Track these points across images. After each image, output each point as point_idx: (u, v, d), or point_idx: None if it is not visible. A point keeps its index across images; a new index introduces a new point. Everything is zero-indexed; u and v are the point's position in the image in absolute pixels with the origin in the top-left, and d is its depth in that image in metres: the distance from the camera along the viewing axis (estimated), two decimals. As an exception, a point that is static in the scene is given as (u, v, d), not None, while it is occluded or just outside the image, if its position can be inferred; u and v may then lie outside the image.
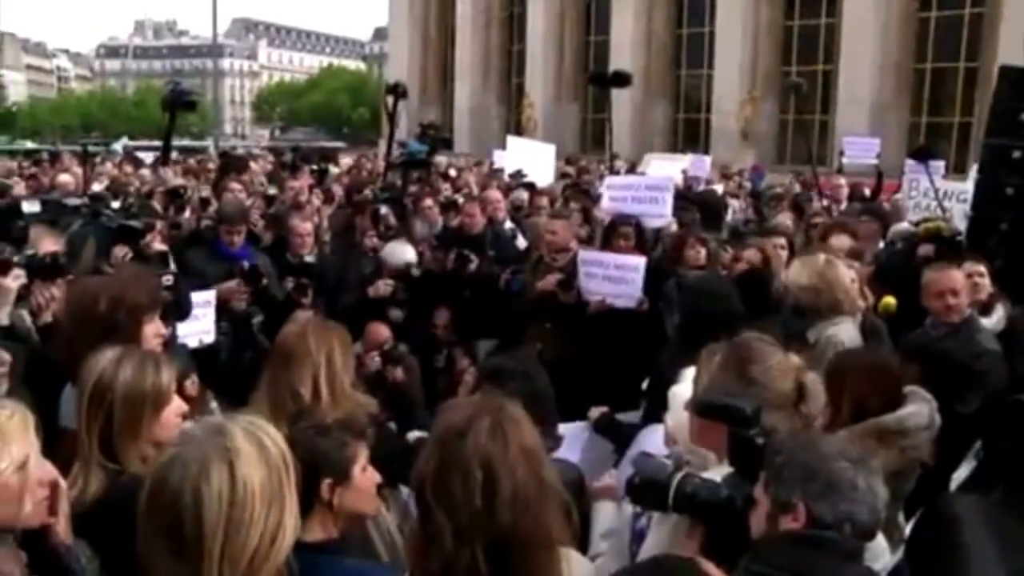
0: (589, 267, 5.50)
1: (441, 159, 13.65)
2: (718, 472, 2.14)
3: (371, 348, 4.98)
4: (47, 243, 3.67)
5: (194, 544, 1.64)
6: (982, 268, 4.86)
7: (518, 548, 1.67)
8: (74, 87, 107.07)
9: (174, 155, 16.34)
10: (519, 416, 1.79)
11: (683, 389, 2.48)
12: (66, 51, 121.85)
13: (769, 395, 2.23)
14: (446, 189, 10.22)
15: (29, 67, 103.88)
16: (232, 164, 10.86)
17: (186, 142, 37.20)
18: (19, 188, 9.52)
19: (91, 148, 16.10)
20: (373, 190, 8.36)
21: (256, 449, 1.71)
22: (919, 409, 2.73)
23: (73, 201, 5.72)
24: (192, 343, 4.67)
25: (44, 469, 1.88)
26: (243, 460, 1.68)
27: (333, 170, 13.67)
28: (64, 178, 10.17)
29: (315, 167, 12.50)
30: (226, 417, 1.90)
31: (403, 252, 6.20)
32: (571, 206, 8.21)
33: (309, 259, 5.96)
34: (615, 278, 5.38)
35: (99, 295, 2.91)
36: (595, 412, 3.85)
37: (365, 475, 2.36)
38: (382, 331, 5.21)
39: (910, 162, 10.08)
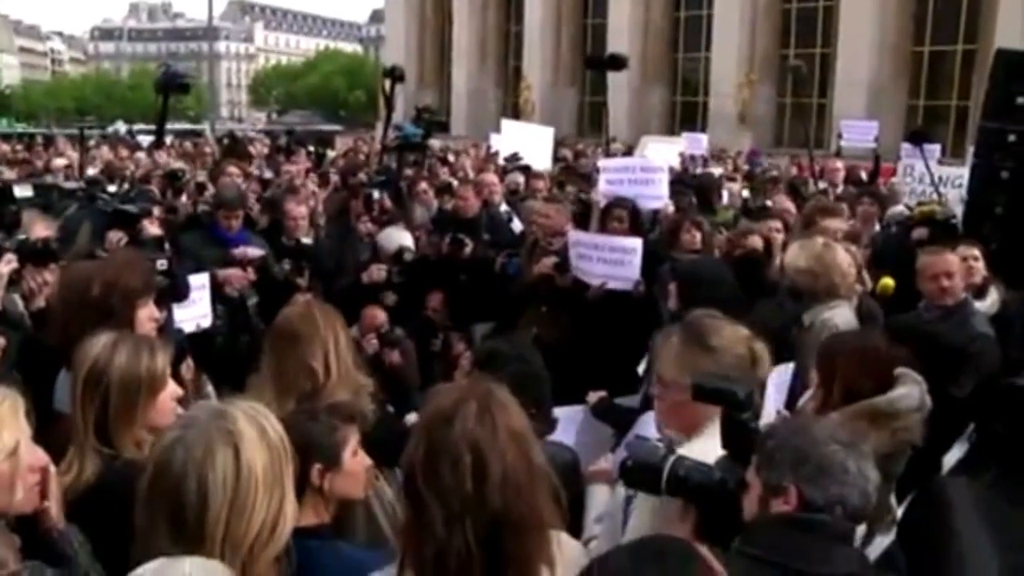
0: (582, 249, 5.45)
1: (435, 142, 13.60)
2: (687, 451, 2.16)
3: (367, 331, 4.99)
4: (39, 228, 3.66)
5: (196, 528, 1.64)
6: (976, 252, 4.87)
7: (510, 531, 1.67)
8: (68, 70, 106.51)
9: (170, 139, 16.29)
10: (506, 400, 1.79)
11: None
12: (60, 33, 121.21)
13: (730, 360, 2.40)
14: (445, 173, 10.21)
15: (22, 50, 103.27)
16: (235, 149, 10.88)
17: (183, 125, 37.06)
18: (8, 173, 9.49)
19: (86, 132, 16.04)
20: (367, 173, 8.34)
21: (258, 433, 1.72)
22: (910, 391, 2.73)
23: (69, 185, 5.71)
24: (189, 328, 4.67)
25: (35, 455, 1.88)
26: (247, 444, 1.69)
27: (330, 154, 13.66)
28: (59, 162, 10.15)
29: (312, 150, 12.49)
30: (225, 402, 1.90)
31: (399, 238, 6.18)
32: (567, 190, 8.20)
33: (306, 241, 5.95)
34: (611, 260, 5.33)
35: (92, 280, 2.91)
36: (593, 397, 3.85)
37: (355, 459, 2.36)
38: (378, 315, 5.22)
39: (906, 146, 10.07)
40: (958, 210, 6.36)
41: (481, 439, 1.68)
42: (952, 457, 3.17)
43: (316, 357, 2.84)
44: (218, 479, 1.65)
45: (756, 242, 5.26)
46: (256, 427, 1.73)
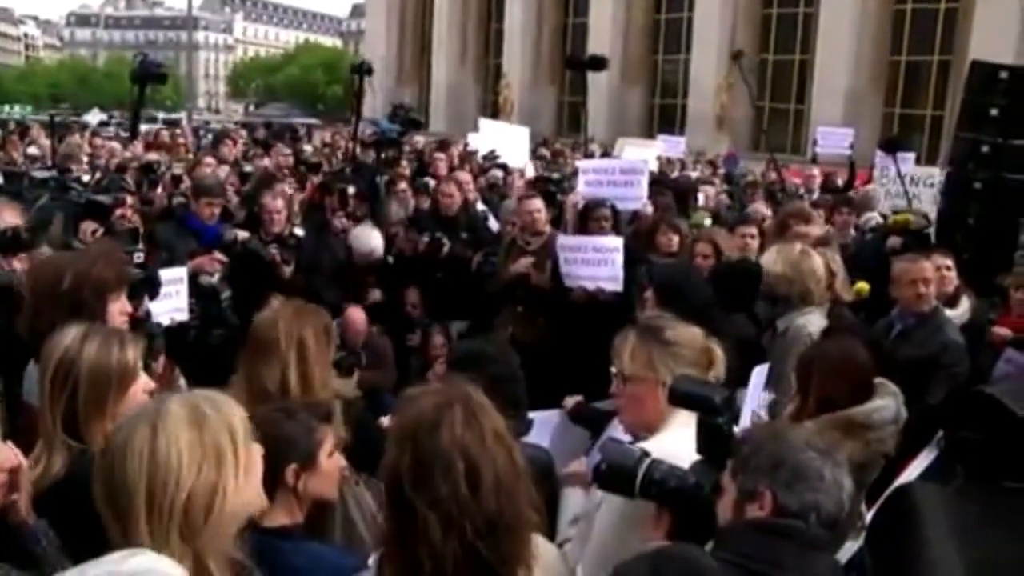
0: (568, 252, 5.41)
1: (419, 138, 13.54)
2: (651, 447, 2.18)
3: (351, 339, 4.99)
4: (8, 215, 3.59)
5: (124, 503, 1.66)
6: (949, 261, 4.94)
7: (503, 532, 1.66)
8: (42, 56, 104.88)
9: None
10: (485, 402, 1.78)
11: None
12: (34, 18, 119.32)
13: (688, 353, 2.46)
14: (441, 159, 10.00)
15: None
16: (220, 142, 10.78)
17: (162, 115, 36.65)
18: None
19: (58, 119, 15.81)
20: (333, 169, 8.31)
21: (187, 411, 1.72)
22: (886, 403, 2.76)
23: (41, 174, 5.62)
24: (164, 321, 4.61)
25: (5, 454, 1.84)
26: (170, 420, 1.70)
27: (307, 149, 13.56)
28: (32, 150, 10.00)
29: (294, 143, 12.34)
30: (188, 391, 1.90)
31: (368, 237, 6.14)
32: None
33: (298, 231, 5.90)
34: (593, 261, 5.28)
35: (64, 271, 2.85)
36: (570, 401, 3.84)
37: (331, 460, 2.35)
38: (359, 319, 5.24)
39: (879, 154, 10.19)
40: (931, 208, 6.42)
41: (471, 444, 1.67)
42: (918, 464, 3.21)
43: (272, 379, 2.75)
44: (135, 450, 1.68)
45: (704, 249, 5.14)
46: (188, 407, 1.74)
